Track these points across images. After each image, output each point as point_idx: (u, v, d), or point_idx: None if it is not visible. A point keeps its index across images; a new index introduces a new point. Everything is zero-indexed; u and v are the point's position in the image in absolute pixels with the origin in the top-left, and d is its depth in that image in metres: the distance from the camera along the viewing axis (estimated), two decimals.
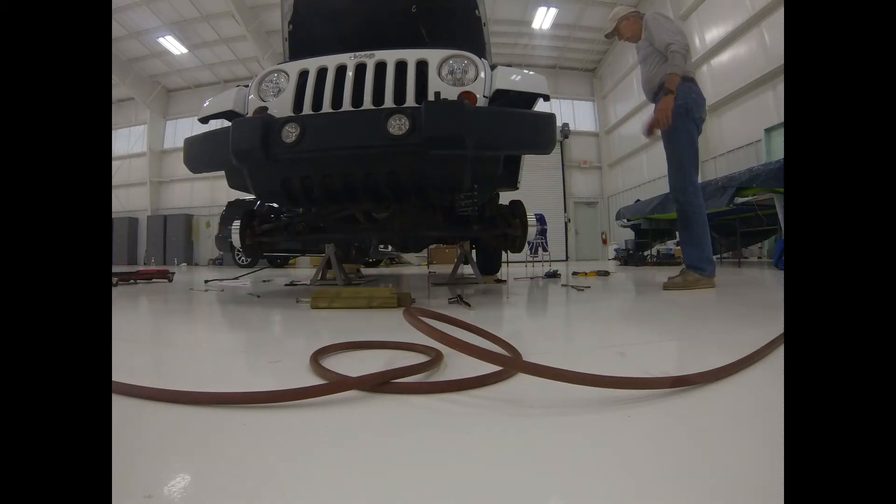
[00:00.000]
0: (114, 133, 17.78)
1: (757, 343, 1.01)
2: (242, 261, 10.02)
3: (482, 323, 1.19)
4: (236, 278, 4.52)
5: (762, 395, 0.77)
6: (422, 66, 2.16)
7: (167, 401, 0.71)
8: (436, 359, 0.91)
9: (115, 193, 17.27)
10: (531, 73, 2.40)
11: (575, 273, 5.35)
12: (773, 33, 9.41)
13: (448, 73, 2.16)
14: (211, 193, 16.71)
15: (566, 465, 0.51)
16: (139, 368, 1.02)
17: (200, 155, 2.36)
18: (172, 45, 15.22)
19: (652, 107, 2.94)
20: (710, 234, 2.89)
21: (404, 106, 2.03)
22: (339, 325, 1.60)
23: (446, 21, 3.23)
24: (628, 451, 0.54)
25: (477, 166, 2.21)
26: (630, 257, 9.60)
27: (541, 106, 2.46)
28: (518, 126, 2.11)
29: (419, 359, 0.93)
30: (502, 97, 2.22)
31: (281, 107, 2.15)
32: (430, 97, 2.05)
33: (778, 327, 1.27)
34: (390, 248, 6.23)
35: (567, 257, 15.06)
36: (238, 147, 2.03)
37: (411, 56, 2.17)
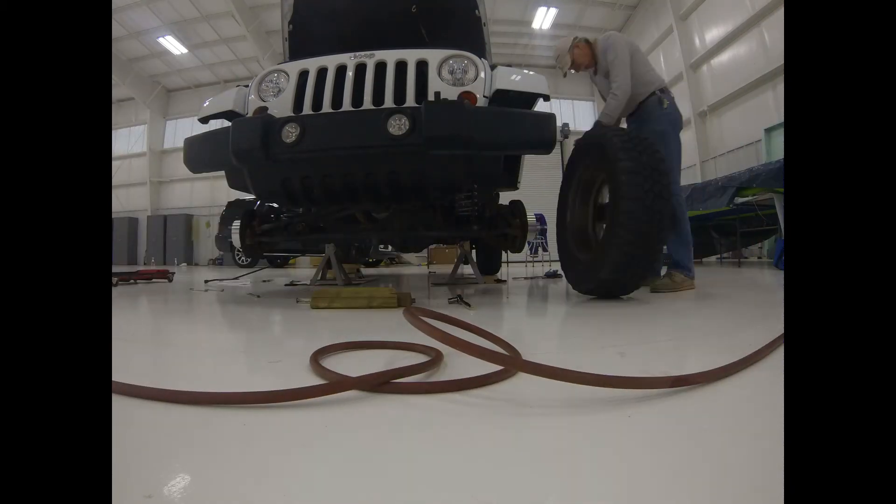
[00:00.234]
0: (114, 133, 17.79)
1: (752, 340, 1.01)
2: (242, 261, 10.01)
3: (482, 323, 1.19)
4: (236, 278, 4.52)
5: (762, 395, 0.77)
6: (422, 66, 2.16)
7: (167, 401, 0.71)
8: (436, 359, 0.91)
9: (115, 193, 17.28)
10: (531, 73, 2.40)
11: None
12: (773, 33, 9.42)
13: (448, 73, 2.16)
14: (211, 193, 16.72)
15: (566, 465, 0.51)
16: (139, 368, 1.02)
17: (200, 155, 2.36)
18: (172, 45, 15.23)
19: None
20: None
21: (404, 106, 2.03)
22: (339, 325, 1.60)
23: (446, 21, 3.23)
24: (628, 451, 0.54)
25: (477, 166, 2.21)
26: None
27: (541, 106, 2.46)
28: (518, 126, 2.11)
29: (419, 359, 0.93)
30: (502, 97, 2.22)
31: (281, 107, 2.15)
32: (430, 97, 2.05)
33: (771, 325, 1.27)
34: (390, 248, 6.23)
35: None
36: (238, 147, 2.03)
37: (411, 56, 2.17)
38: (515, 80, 2.27)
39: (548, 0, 13.55)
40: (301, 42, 3.27)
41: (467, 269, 3.99)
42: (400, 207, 2.67)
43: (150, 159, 17.63)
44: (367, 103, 2.08)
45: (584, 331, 1.54)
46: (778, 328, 1.26)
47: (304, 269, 9.26)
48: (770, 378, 0.85)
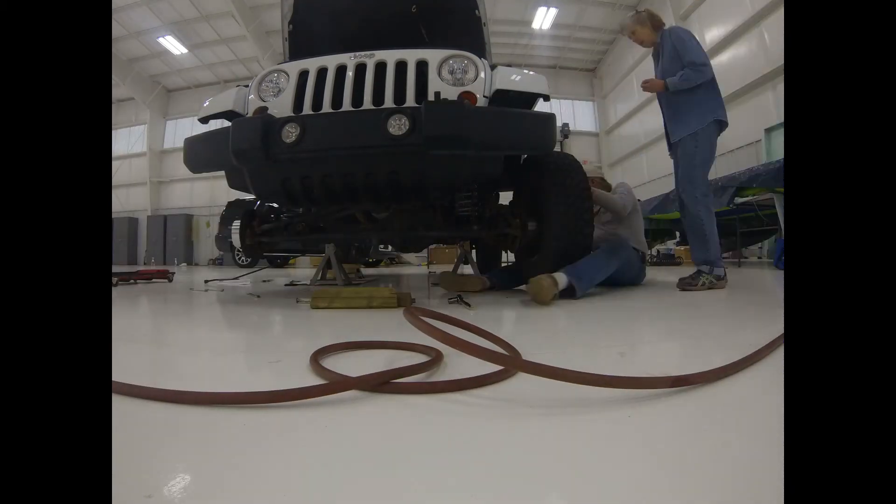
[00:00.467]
0: (114, 133, 17.79)
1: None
2: (242, 261, 10.01)
3: (482, 323, 1.19)
4: (236, 278, 4.52)
5: (762, 395, 0.77)
6: (422, 66, 2.16)
7: (167, 401, 0.71)
8: (436, 359, 0.91)
9: (115, 193, 17.29)
10: (531, 73, 2.40)
11: None
12: (773, 33, 9.42)
13: (448, 73, 2.16)
14: (211, 193, 16.72)
15: (566, 465, 0.51)
16: (139, 368, 1.02)
17: (200, 155, 2.36)
18: (172, 45, 15.23)
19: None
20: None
21: (404, 106, 2.02)
22: (339, 324, 1.60)
23: (446, 21, 3.23)
24: (628, 451, 0.54)
25: (477, 166, 2.21)
26: None
27: (541, 106, 2.46)
28: (518, 126, 2.11)
29: (419, 359, 0.93)
30: (502, 97, 2.22)
31: (281, 107, 2.15)
32: (430, 97, 2.05)
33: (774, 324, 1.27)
34: (390, 248, 6.24)
35: None
36: (238, 147, 2.03)
37: (411, 56, 2.17)
38: (515, 80, 2.27)
39: (548, 0, 13.55)
40: (301, 42, 3.27)
41: (467, 269, 3.99)
42: (400, 207, 2.67)
43: (150, 159, 17.63)
44: (367, 103, 2.08)
45: (583, 330, 1.54)
46: (777, 328, 1.26)
47: (304, 269, 9.26)
48: (770, 378, 0.85)
